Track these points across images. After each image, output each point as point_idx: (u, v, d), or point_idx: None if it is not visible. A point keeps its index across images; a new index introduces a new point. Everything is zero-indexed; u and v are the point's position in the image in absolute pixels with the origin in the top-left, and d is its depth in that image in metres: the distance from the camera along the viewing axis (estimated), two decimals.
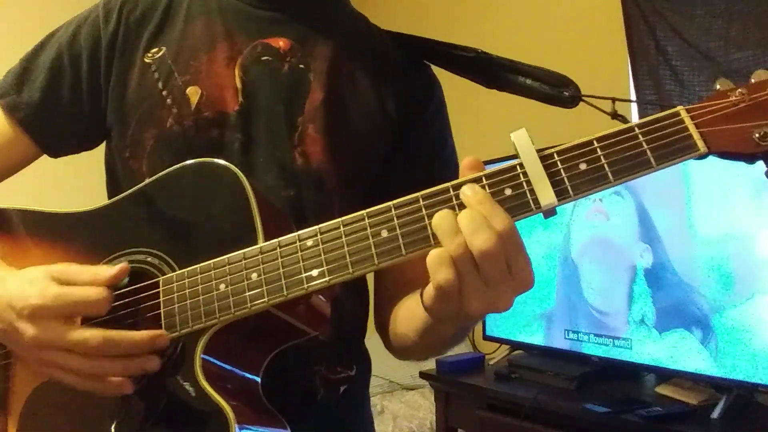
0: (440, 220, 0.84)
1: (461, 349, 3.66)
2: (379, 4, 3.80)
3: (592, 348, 2.89)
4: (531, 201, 0.85)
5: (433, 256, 0.84)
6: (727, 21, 2.85)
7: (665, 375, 2.71)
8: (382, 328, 1.25)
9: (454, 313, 0.87)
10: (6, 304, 0.98)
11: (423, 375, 3.30)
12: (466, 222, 0.83)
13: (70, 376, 0.97)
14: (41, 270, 1.00)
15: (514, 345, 3.30)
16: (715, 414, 2.39)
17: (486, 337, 3.42)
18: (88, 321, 0.99)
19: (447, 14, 4.26)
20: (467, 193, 0.85)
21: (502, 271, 0.83)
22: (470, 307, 0.84)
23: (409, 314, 1.07)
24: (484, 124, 3.43)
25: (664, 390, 2.66)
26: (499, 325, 3.32)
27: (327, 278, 0.92)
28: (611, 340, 2.81)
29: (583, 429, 2.60)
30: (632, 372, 2.88)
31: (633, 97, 3.12)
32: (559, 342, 3.05)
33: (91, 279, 0.98)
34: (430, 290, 0.87)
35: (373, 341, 1.30)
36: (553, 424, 2.67)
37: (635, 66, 3.14)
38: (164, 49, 1.21)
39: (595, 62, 3.12)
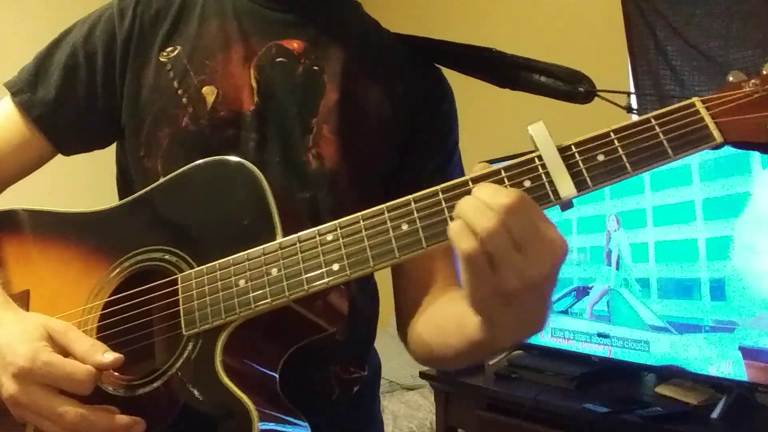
0: (464, 201, 0.83)
1: None
2: (381, 5, 3.80)
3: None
4: (550, 192, 0.86)
5: (454, 227, 0.82)
6: (727, 21, 2.86)
7: (665, 375, 2.72)
8: (404, 331, 1.25)
9: (496, 299, 0.83)
10: None
11: (423, 375, 3.31)
12: (484, 188, 0.82)
13: None
14: (40, 324, 0.99)
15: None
16: (715, 414, 2.39)
17: None
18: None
19: (447, 15, 4.27)
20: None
21: (532, 226, 0.80)
22: (509, 284, 0.81)
23: (455, 323, 1.04)
24: (493, 125, 3.44)
25: (664, 390, 2.66)
26: None
27: (348, 272, 0.92)
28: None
29: (583, 429, 2.60)
30: (632, 372, 2.88)
31: (633, 98, 3.13)
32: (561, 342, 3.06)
33: (84, 352, 0.96)
34: (463, 273, 0.84)
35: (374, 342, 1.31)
36: (553, 424, 2.67)
37: (635, 66, 3.15)
38: (179, 48, 1.21)
39: (595, 63, 3.11)
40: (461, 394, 3.15)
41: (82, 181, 3.08)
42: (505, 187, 0.86)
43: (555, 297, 3.05)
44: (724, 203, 2.43)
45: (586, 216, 2.97)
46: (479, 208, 0.81)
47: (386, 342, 3.94)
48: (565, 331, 3.03)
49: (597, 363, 2.90)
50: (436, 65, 1.32)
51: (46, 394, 0.93)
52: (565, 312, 3.06)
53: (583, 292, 3.01)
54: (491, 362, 3.24)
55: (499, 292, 0.82)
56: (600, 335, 2.87)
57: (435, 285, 1.20)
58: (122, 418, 0.95)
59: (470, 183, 0.88)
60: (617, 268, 2.83)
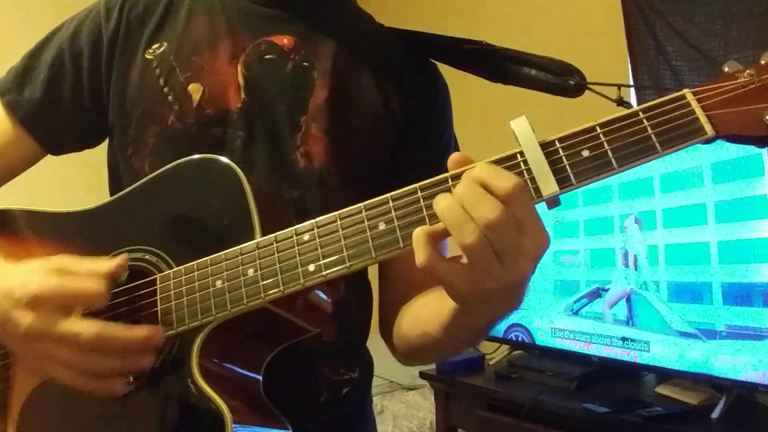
0: (444, 206, 0.82)
1: None
2: (378, 1, 3.80)
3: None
4: (532, 190, 0.83)
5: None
6: (727, 21, 2.85)
7: (665, 375, 2.70)
8: (388, 330, 1.24)
9: (479, 293, 0.84)
10: (4, 294, 0.96)
11: (423, 375, 3.29)
12: (471, 194, 0.81)
13: (63, 369, 0.95)
14: (41, 262, 0.98)
15: (514, 345, 3.29)
16: (715, 414, 2.38)
17: (486, 337, 3.39)
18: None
19: (446, 13, 4.26)
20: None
21: (514, 240, 0.80)
22: (486, 285, 0.81)
23: (433, 311, 1.04)
24: (489, 122, 3.42)
25: (664, 390, 2.65)
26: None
27: (324, 273, 0.90)
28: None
29: (583, 429, 2.59)
30: (632, 372, 2.87)
31: (634, 98, 3.12)
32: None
33: (89, 270, 0.96)
34: None
35: (373, 342, 1.29)
36: (553, 424, 2.66)
37: (635, 66, 3.14)
38: (165, 44, 1.20)
39: (594, 62, 3.10)
40: (461, 394, 3.14)
41: (75, 180, 3.07)
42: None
43: (572, 300, 3.02)
44: (736, 206, 2.40)
45: (595, 217, 2.95)
46: (463, 219, 0.80)
47: None
48: (573, 332, 3.00)
49: (597, 363, 2.89)
50: (432, 61, 1.30)
51: (61, 315, 0.93)
52: (576, 313, 3.03)
53: (595, 294, 2.98)
54: (491, 362, 3.23)
55: (476, 291, 0.83)
56: (624, 339, 2.83)
57: (419, 284, 1.18)
58: (140, 330, 0.94)
59: (450, 180, 0.86)
60: (636, 269, 2.80)
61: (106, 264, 0.97)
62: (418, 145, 1.25)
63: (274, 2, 1.22)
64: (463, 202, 0.81)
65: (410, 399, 3.58)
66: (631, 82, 3.18)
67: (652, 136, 0.81)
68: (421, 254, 0.81)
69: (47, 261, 0.99)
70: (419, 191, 0.87)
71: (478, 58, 1.24)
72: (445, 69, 1.30)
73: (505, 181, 0.80)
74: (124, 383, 0.96)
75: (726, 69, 0.83)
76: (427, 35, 1.29)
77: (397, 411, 3.46)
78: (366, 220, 0.89)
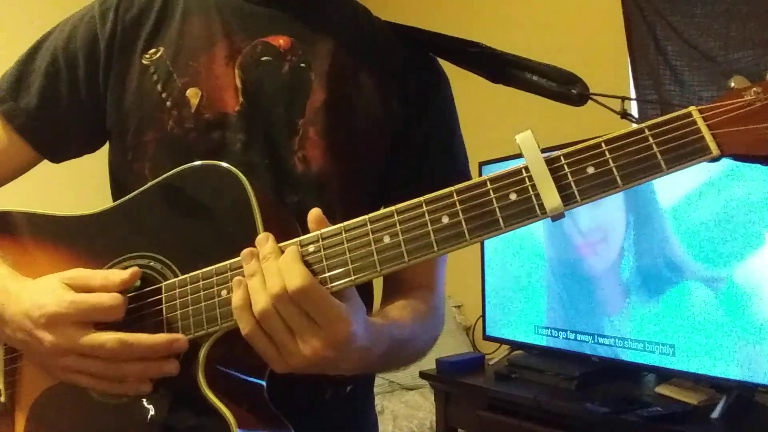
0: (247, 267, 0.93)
1: (461, 349, 3.65)
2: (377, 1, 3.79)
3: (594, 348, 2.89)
4: (537, 206, 0.83)
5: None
6: (727, 21, 2.85)
7: (665, 375, 2.71)
8: None
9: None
10: (23, 314, 0.99)
11: (423, 375, 3.29)
12: (267, 266, 0.92)
13: (89, 379, 0.99)
14: (54, 278, 1.01)
15: (514, 345, 3.29)
16: (715, 414, 2.38)
17: (486, 337, 3.41)
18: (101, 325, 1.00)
19: (446, 13, 4.25)
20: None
21: (300, 316, 0.90)
22: (292, 360, 0.92)
23: None
24: (491, 122, 3.43)
25: (664, 390, 2.65)
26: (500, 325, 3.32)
27: (329, 285, 0.91)
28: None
29: (583, 429, 2.60)
30: (632, 372, 2.87)
31: (634, 105, 3.11)
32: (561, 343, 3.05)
33: (101, 284, 0.99)
34: None
35: None
36: (553, 424, 2.66)
37: (635, 66, 3.14)
38: (162, 49, 1.18)
39: (595, 62, 3.11)
40: (461, 394, 3.14)
41: (78, 183, 3.07)
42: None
43: None
44: None
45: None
46: (258, 288, 0.91)
47: None
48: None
49: (597, 363, 2.89)
50: (432, 55, 1.29)
51: (82, 330, 0.96)
52: None
53: None
54: (491, 362, 3.24)
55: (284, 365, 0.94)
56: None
57: (403, 284, 1.20)
58: (161, 336, 0.97)
59: (455, 194, 0.86)
60: None
61: (119, 275, 0.99)
62: (423, 140, 1.24)
63: (269, 1, 1.21)
64: (264, 273, 0.92)
65: (410, 399, 3.58)
66: (631, 82, 3.18)
67: (658, 154, 0.81)
68: (244, 325, 0.92)
69: (60, 276, 1.00)
70: (424, 205, 0.87)
71: (479, 59, 1.24)
72: (450, 73, 1.29)
73: (293, 280, 0.89)
74: (149, 385, 0.98)
75: (733, 84, 0.82)
76: (426, 32, 1.28)
77: (397, 411, 3.46)
78: (371, 233, 0.89)
